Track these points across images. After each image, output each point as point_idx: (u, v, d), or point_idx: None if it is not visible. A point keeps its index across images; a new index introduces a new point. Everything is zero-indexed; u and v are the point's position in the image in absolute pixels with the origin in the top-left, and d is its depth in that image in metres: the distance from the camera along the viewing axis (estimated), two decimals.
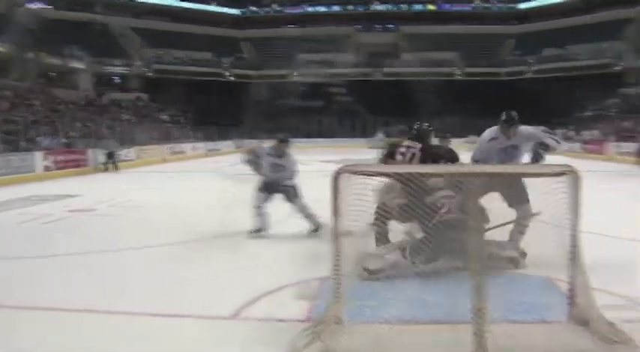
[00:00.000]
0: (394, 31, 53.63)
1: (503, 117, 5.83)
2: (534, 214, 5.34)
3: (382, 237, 5.72)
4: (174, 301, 4.66)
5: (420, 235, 5.58)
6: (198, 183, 15.58)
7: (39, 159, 18.24)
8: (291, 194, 7.27)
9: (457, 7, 54.92)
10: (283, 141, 7.45)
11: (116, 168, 20.90)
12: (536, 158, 5.72)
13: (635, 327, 3.52)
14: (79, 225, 8.89)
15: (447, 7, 54.96)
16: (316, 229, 7.12)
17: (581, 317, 3.59)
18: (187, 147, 32.01)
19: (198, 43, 48.85)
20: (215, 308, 4.38)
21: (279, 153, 7.38)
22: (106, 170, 20.51)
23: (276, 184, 7.26)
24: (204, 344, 3.76)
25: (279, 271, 5.33)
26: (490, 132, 6.00)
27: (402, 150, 6.15)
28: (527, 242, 5.58)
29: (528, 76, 47.88)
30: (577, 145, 29.47)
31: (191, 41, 48.54)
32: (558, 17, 48.43)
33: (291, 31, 53.77)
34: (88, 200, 11.85)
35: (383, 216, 5.71)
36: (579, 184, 3.51)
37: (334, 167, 3.69)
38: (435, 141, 6.90)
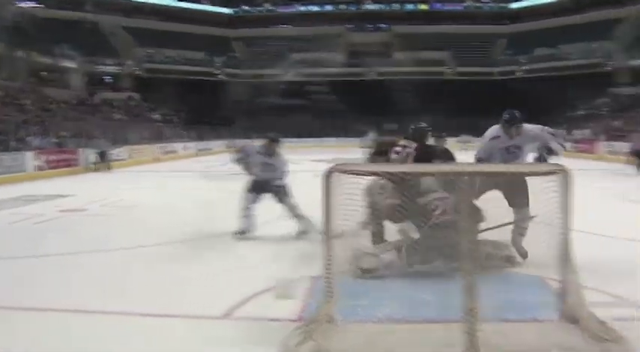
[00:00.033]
0: (386, 31, 53.68)
1: (505, 116, 5.72)
2: (531, 217, 5.36)
3: (378, 237, 5.72)
4: (167, 301, 4.65)
5: (415, 235, 5.59)
6: (188, 183, 15.55)
7: (30, 158, 18.15)
8: (282, 194, 7.18)
9: (449, 7, 54.99)
10: (274, 141, 7.36)
11: (108, 167, 20.82)
12: (540, 161, 5.60)
13: (626, 325, 3.54)
14: (70, 225, 8.85)
15: (438, 6, 55.04)
16: (306, 230, 7.04)
17: (572, 315, 3.60)
18: (179, 146, 31.93)
19: (190, 42, 48.68)
20: (207, 307, 4.37)
21: (270, 152, 7.29)
22: (97, 170, 20.41)
23: (267, 184, 7.16)
24: (196, 344, 3.75)
25: (270, 271, 5.31)
26: (492, 130, 5.89)
27: (398, 149, 6.15)
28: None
29: (520, 75, 48.09)
30: (568, 144, 29.56)
31: (183, 40, 48.36)
32: (549, 17, 48.63)
33: (284, 30, 53.78)
34: (79, 200, 11.80)
35: (377, 216, 5.72)
36: (570, 183, 3.53)
37: (325, 166, 3.68)
38: (430, 140, 6.87)
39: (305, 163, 19.03)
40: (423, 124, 6.49)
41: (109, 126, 29.33)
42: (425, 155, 5.88)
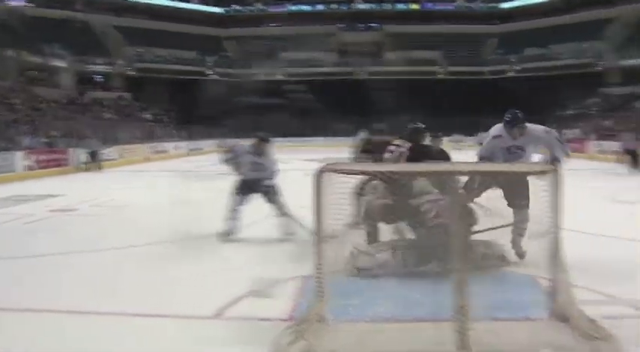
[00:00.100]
0: (377, 30, 53.74)
1: (507, 117, 5.64)
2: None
3: (372, 237, 5.71)
4: (158, 301, 4.64)
5: (410, 235, 5.59)
6: (179, 183, 15.48)
7: (19, 158, 18.03)
8: (271, 194, 7.13)
9: (440, 7, 55.09)
10: (263, 140, 7.31)
11: (99, 167, 20.71)
12: None
13: (615, 323, 3.56)
14: (61, 225, 8.81)
15: (430, 6, 55.16)
16: (295, 230, 6.98)
17: (563, 314, 3.62)
18: (170, 146, 31.83)
19: (181, 42, 48.45)
20: (199, 307, 4.37)
21: (259, 151, 7.24)
22: (87, 169, 20.31)
23: (256, 184, 7.11)
24: (187, 343, 3.74)
25: (259, 271, 5.30)
26: (495, 129, 5.81)
27: (391, 148, 6.15)
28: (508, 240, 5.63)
29: (511, 75, 48.22)
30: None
31: (174, 39, 48.15)
32: (540, 17, 48.83)
33: (275, 29, 53.73)
34: (70, 200, 11.75)
35: (369, 216, 5.72)
36: (560, 183, 3.54)
37: (315, 166, 3.68)
38: (427, 140, 6.83)
39: (295, 162, 19.05)
40: (420, 124, 6.47)
41: (100, 125, 29.18)
42: (418, 155, 5.87)
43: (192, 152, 33.11)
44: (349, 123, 33.36)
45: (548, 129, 5.82)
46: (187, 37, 49.59)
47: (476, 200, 5.36)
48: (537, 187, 3.83)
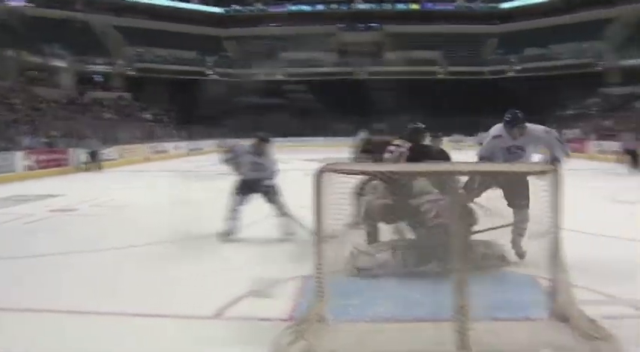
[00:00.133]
0: (377, 30, 53.75)
1: (507, 117, 5.62)
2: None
3: (372, 237, 5.71)
4: (159, 301, 4.64)
5: (410, 235, 5.58)
6: (179, 183, 15.47)
7: (19, 158, 18.03)
8: (271, 194, 7.12)
9: (440, 7, 55.10)
10: (264, 140, 7.29)
11: (99, 167, 20.71)
12: None
13: (615, 323, 3.56)
14: (61, 225, 8.81)
15: (430, 6, 55.17)
16: (296, 230, 6.96)
17: (563, 314, 3.62)
18: (170, 146, 31.82)
19: (181, 42, 48.45)
20: (199, 307, 4.37)
21: (259, 151, 7.22)
22: (87, 169, 20.31)
23: (256, 184, 7.09)
24: (187, 344, 3.74)
25: (259, 271, 5.30)
26: (496, 129, 5.79)
27: (391, 148, 6.15)
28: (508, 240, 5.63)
29: (511, 75, 48.23)
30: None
31: (174, 39, 48.14)
32: (540, 17, 48.83)
33: (275, 29, 53.73)
34: (70, 200, 11.74)
35: (369, 216, 5.72)
36: (560, 183, 3.54)
37: (316, 165, 3.67)
38: (427, 140, 6.80)
39: (295, 162, 19.06)
40: (420, 124, 6.45)
41: (100, 125, 29.17)
42: (418, 155, 5.86)
43: (193, 152, 33.09)
44: (349, 123, 33.31)
45: (548, 129, 5.80)
46: (187, 37, 49.57)
47: (476, 200, 5.36)
48: (537, 187, 3.83)
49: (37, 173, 18.07)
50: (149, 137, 31.72)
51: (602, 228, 7.05)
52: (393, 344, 3.47)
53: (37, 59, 37.88)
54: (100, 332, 3.95)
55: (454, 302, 3.22)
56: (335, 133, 37.93)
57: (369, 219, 5.74)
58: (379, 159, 6.43)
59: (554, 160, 5.41)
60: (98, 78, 45.55)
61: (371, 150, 7.57)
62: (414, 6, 55.53)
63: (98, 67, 45.10)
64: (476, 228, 5.16)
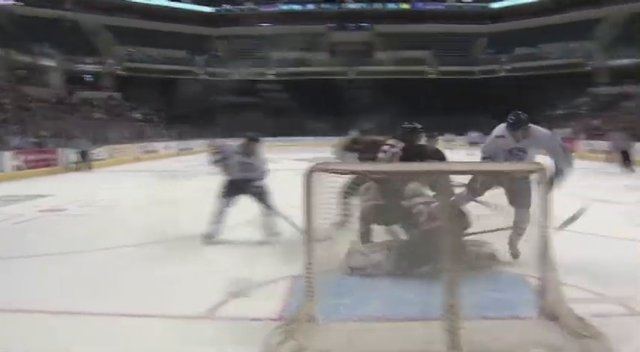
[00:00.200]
0: (368, 30, 53.84)
1: (510, 119, 5.51)
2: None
3: (365, 238, 5.69)
4: (149, 301, 4.62)
5: (404, 237, 5.58)
6: (168, 183, 15.43)
7: (8, 158, 17.90)
8: (261, 194, 7.04)
9: (430, 6, 55.29)
10: (253, 140, 7.18)
11: (89, 167, 20.61)
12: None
13: (604, 321, 3.58)
14: (50, 226, 8.76)
15: (420, 5, 55.35)
16: (282, 231, 6.90)
17: (552, 312, 3.63)
18: (160, 146, 31.69)
19: (171, 41, 48.31)
20: (189, 307, 4.35)
21: (248, 151, 7.11)
22: (77, 169, 20.20)
23: (245, 184, 6.99)
24: (176, 344, 3.73)
25: (250, 271, 5.28)
26: (499, 129, 5.69)
27: (385, 148, 6.12)
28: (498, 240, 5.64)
29: (501, 74, 48.48)
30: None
31: (164, 39, 47.99)
32: (530, 17, 49.12)
33: (266, 29, 53.68)
34: (59, 200, 11.67)
35: (363, 218, 5.71)
36: (548, 182, 3.55)
37: (305, 165, 3.67)
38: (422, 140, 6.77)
39: (285, 162, 19.03)
40: (416, 124, 6.39)
41: (89, 125, 29.03)
42: (411, 155, 5.82)
43: (183, 152, 32.94)
44: (338, 122, 33.32)
45: (552, 134, 5.75)
46: (177, 36, 49.45)
47: (479, 199, 5.36)
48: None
49: (26, 173, 17.94)
50: (139, 137, 31.58)
51: (592, 227, 7.07)
52: (383, 344, 3.47)
53: (26, 58, 37.63)
54: (88, 333, 3.93)
55: (444, 301, 3.23)
56: (325, 133, 37.72)
57: (362, 219, 5.73)
58: (368, 159, 6.40)
59: (558, 174, 5.28)
60: (88, 77, 45.31)
61: (358, 149, 7.53)
62: (405, 6, 55.68)
63: (88, 67, 44.84)
64: (470, 230, 5.17)
